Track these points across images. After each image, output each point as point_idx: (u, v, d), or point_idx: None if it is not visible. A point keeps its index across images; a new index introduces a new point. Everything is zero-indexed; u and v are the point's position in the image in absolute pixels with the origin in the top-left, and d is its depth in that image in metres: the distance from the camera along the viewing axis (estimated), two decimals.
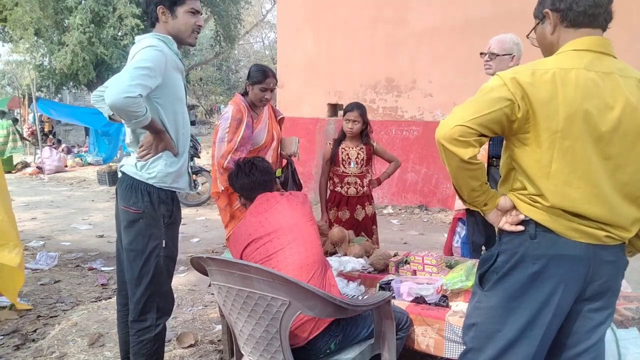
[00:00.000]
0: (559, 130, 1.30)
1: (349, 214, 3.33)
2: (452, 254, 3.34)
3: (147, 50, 1.87)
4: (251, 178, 2.21)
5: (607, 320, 1.47)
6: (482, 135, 1.32)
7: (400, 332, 1.99)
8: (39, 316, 3.21)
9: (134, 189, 2.01)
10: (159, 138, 1.98)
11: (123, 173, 2.09)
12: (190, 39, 2.11)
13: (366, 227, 3.38)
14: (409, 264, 2.60)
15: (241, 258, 2.05)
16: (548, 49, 1.48)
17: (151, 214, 2.01)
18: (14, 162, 11.83)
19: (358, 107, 3.27)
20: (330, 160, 3.34)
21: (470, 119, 1.30)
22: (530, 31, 1.54)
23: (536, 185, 1.36)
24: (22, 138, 12.15)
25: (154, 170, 2.02)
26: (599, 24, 1.40)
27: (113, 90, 1.76)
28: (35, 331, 3.00)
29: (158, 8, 1.99)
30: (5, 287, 3.19)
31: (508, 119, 1.32)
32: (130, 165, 2.07)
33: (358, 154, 3.31)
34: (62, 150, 13.31)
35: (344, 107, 3.37)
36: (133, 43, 2.07)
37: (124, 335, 2.20)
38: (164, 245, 2.05)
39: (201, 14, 2.13)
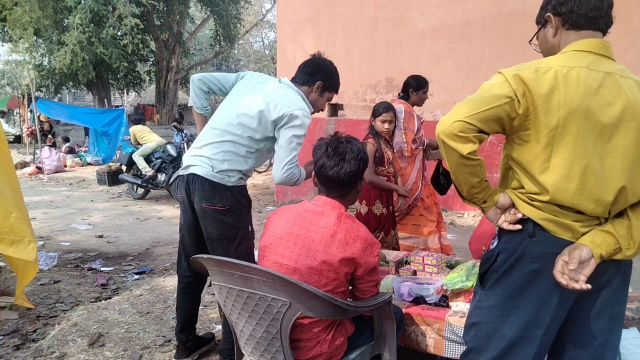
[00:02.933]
0: (559, 126, 1.31)
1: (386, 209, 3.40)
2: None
3: (305, 122, 2.25)
4: (317, 164, 1.81)
5: (610, 325, 1.45)
6: (482, 131, 1.34)
7: (397, 331, 1.99)
8: (38, 316, 3.21)
9: (216, 189, 2.23)
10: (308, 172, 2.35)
11: (195, 174, 2.24)
12: (314, 111, 2.49)
13: (393, 220, 3.50)
14: (409, 264, 2.60)
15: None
16: (550, 52, 1.50)
17: (236, 206, 2.27)
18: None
19: (391, 107, 3.31)
20: (377, 160, 3.32)
21: (470, 114, 1.32)
22: (533, 37, 1.57)
23: (535, 181, 1.36)
24: None
25: (234, 176, 2.27)
26: (600, 27, 1.43)
27: (276, 172, 2.23)
28: (35, 331, 3.00)
29: (318, 82, 2.43)
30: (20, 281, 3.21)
31: (508, 116, 1.33)
32: (203, 167, 2.24)
33: (390, 155, 3.41)
34: (65, 149, 13.30)
35: (374, 108, 3.36)
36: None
37: (186, 309, 2.55)
38: (250, 229, 2.36)
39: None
